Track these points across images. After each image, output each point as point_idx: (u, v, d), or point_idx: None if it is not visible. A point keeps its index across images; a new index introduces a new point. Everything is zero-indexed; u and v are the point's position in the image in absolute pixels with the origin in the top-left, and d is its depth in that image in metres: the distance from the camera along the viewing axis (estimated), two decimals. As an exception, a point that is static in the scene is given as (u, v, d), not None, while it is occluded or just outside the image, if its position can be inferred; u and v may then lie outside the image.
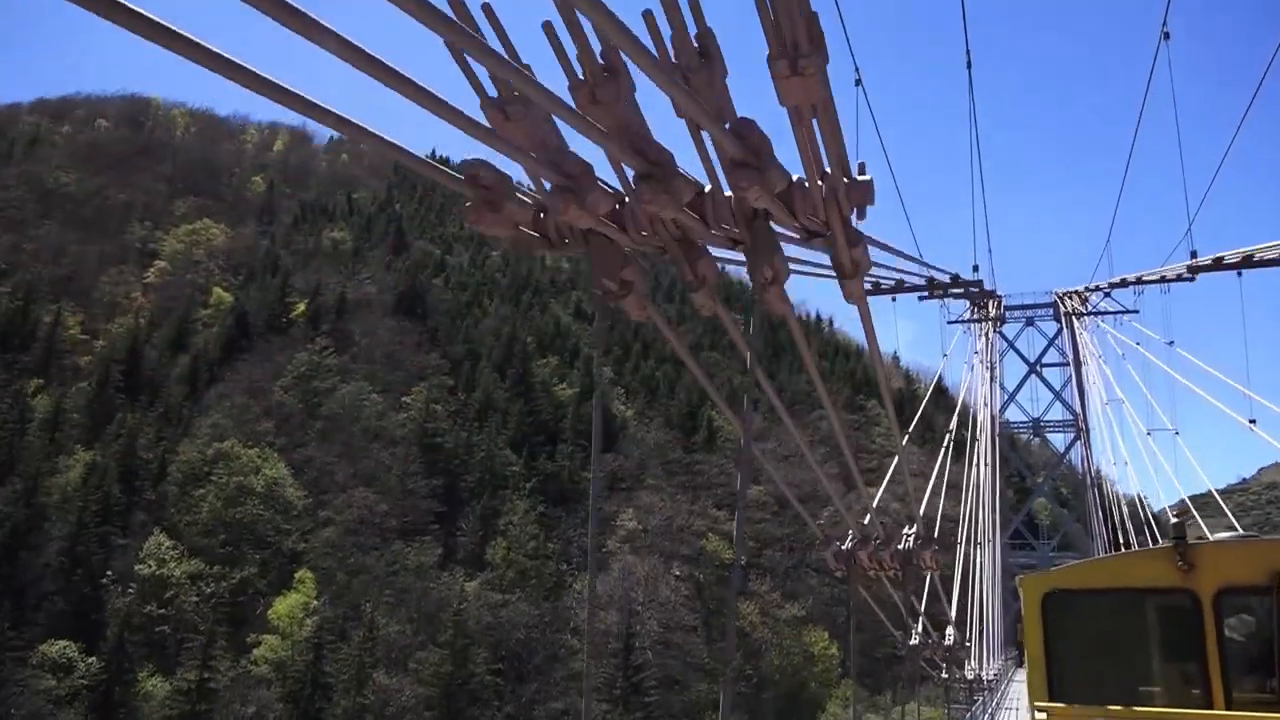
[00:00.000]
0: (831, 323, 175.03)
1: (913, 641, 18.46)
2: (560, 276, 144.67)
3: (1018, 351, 74.06)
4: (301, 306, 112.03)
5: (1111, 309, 49.03)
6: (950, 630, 20.90)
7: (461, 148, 3.83)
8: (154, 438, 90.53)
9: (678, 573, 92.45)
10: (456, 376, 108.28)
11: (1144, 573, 9.05)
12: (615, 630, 77.65)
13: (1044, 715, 8.47)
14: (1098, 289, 53.92)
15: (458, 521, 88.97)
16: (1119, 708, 8.18)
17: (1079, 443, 71.43)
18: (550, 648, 75.32)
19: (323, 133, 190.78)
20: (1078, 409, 70.71)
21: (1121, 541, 58.04)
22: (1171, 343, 33.07)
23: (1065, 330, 70.54)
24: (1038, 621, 9.16)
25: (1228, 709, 8.22)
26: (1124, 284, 32.60)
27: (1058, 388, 73.22)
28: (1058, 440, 73.36)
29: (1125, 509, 59.52)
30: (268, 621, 75.19)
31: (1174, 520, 9.59)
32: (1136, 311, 46.10)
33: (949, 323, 67.94)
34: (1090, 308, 68.07)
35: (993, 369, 72.95)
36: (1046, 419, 73.56)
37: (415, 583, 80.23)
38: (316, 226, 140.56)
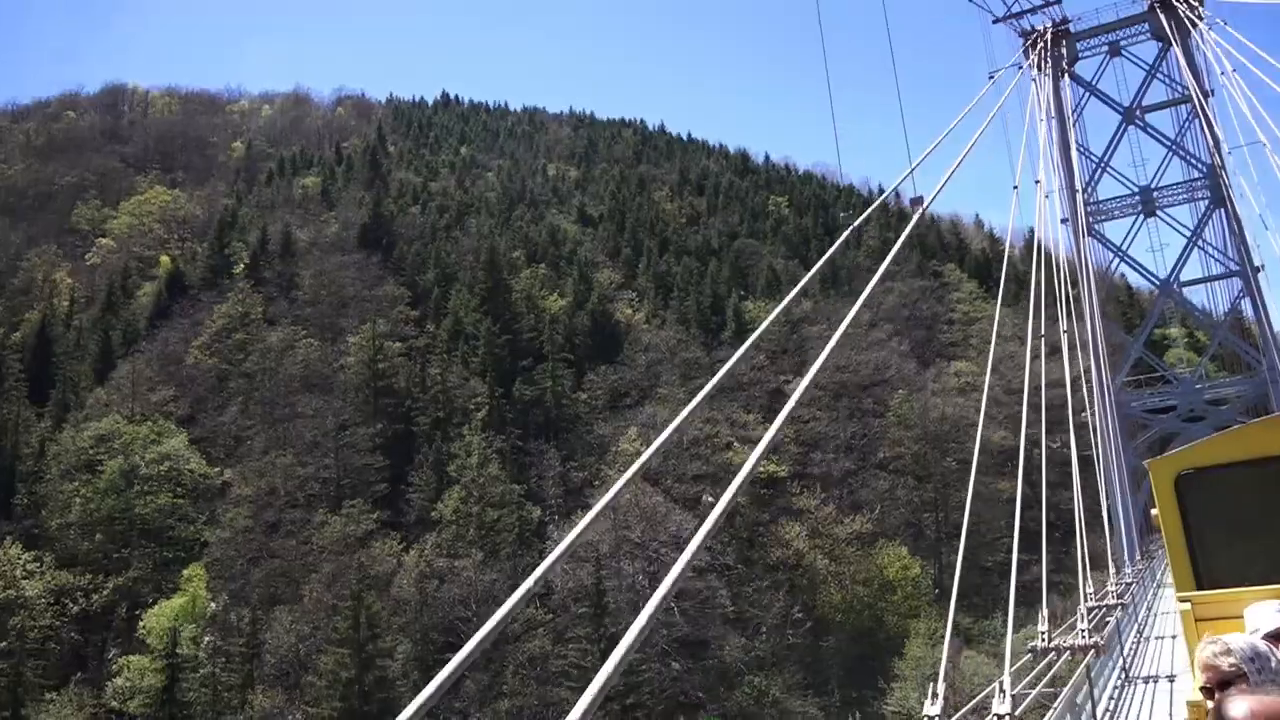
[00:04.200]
0: (898, 195, 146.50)
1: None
2: (563, 185, 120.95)
3: (1102, 97, 46.89)
4: (245, 258, 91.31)
5: None
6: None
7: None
8: (51, 429, 71.34)
9: (710, 496, 68.55)
10: (424, 306, 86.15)
11: None
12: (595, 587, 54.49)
13: (1187, 605, 7.42)
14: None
15: (409, 476, 66.97)
16: (1273, 587, 6.57)
17: (1217, 211, 44.24)
18: (501, 624, 52.53)
19: (323, 93, 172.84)
20: (1209, 160, 43.45)
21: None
22: None
23: (1175, 44, 43.19)
24: (1173, 506, 8.05)
25: None
26: None
27: (1171, 137, 45.78)
28: (1182, 215, 45.92)
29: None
30: (148, 635, 54.86)
31: None
32: None
33: (992, 75, 42.12)
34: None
35: (1064, 127, 46.56)
36: (1162, 185, 46.07)
37: (345, 559, 58.66)
38: (289, 179, 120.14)
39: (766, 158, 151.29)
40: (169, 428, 67.62)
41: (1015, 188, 22.48)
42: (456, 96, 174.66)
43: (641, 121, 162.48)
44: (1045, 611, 13.48)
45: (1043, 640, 12.71)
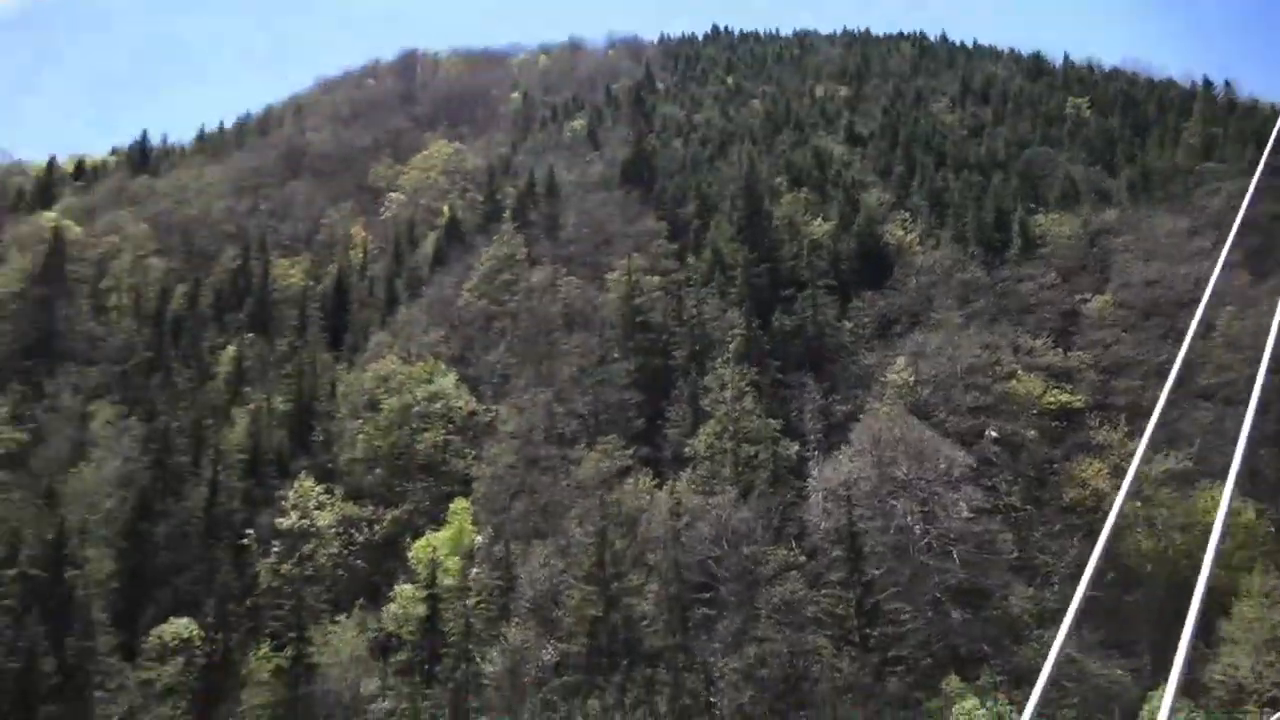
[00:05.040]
0: (1228, 84, 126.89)
1: None
2: (831, 106, 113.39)
3: None
4: (511, 202, 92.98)
5: None
6: None
7: None
8: (345, 372, 76.25)
9: (994, 430, 61.36)
10: (684, 239, 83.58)
11: None
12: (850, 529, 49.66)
13: None
14: None
15: (665, 412, 64.92)
16: None
17: None
18: (751, 565, 49.07)
19: (597, 40, 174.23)
20: None
21: None
22: None
23: None
24: None
25: None
26: None
27: None
28: None
29: None
30: (416, 565, 56.92)
31: None
32: None
33: None
34: None
35: None
36: None
37: (595, 495, 57.57)
38: (560, 123, 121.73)
39: (1066, 57, 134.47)
40: (440, 367, 69.76)
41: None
42: (726, 27, 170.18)
43: (920, 33, 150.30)
44: None
45: None
